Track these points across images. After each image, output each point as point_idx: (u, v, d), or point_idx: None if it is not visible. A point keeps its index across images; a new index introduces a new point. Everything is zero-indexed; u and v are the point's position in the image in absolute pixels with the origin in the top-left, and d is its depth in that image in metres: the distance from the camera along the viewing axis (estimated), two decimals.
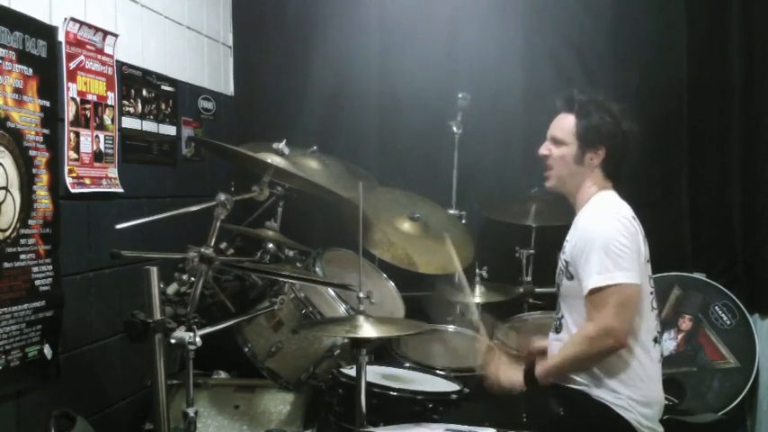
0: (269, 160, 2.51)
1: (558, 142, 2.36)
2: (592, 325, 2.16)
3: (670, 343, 3.24)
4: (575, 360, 2.22)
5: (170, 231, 2.70)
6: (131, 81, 2.89)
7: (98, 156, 2.66)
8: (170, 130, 3.20)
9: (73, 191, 2.51)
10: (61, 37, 2.45)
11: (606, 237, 2.16)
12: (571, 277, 2.25)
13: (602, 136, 2.30)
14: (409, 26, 3.63)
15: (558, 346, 2.32)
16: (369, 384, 2.19)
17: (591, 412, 2.20)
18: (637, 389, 2.20)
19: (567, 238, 2.33)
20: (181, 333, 2.03)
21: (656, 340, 2.27)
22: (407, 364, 2.77)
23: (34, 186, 2.31)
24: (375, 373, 2.52)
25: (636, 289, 2.16)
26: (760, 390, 3.16)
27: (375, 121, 3.70)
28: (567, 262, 2.28)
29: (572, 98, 2.36)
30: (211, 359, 2.81)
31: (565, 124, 2.35)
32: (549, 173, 2.39)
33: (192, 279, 2.25)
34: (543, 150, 2.39)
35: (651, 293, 2.28)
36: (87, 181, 2.60)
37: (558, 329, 2.35)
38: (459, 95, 3.33)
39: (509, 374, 2.34)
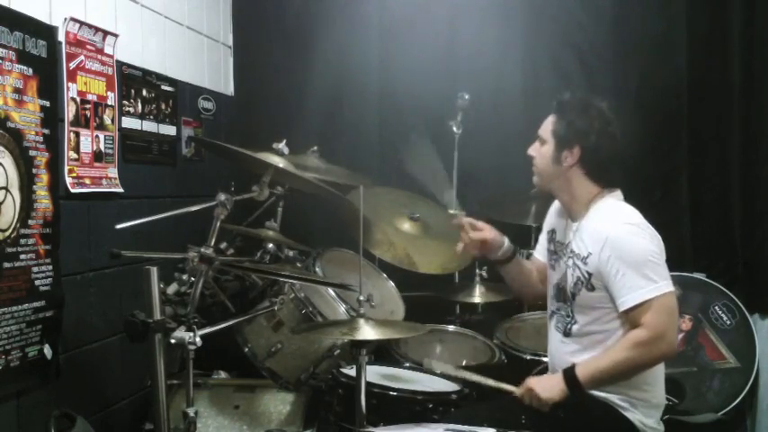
0: (269, 160, 2.52)
1: (540, 141, 2.34)
2: (644, 331, 2.09)
3: None
4: (627, 365, 2.13)
5: (170, 231, 2.69)
6: (131, 81, 2.89)
7: (98, 156, 2.66)
8: (170, 130, 3.20)
9: (73, 191, 2.51)
10: (61, 37, 2.45)
11: (642, 252, 2.12)
12: (592, 289, 2.19)
13: (575, 135, 2.24)
14: (409, 26, 3.63)
15: (563, 348, 2.30)
16: (369, 384, 2.18)
17: (594, 411, 2.19)
18: (645, 392, 2.20)
19: (581, 248, 2.23)
20: (181, 333, 2.03)
21: None
22: (407, 364, 2.78)
23: (34, 186, 2.31)
24: (375, 373, 2.51)
25: (675, 296, 2.15)
26: (760, 390, 3.16)
27: (375, 121, 3.69)
28: (590, 273, 2.19)
29: (557, 98, 2.33)
30: (211, 359, 2.81)
31: (547, 123, 2.33)
32: (534, 171, 2.38)
33: (192, 279, 2.25)
34: (529, 150, 2.38)
35: None
36: (87, 181, 2.60)
37: (567, 333, 2.29)
38: (459, 95, 3.33)
39: (546, 384, 2.18)
